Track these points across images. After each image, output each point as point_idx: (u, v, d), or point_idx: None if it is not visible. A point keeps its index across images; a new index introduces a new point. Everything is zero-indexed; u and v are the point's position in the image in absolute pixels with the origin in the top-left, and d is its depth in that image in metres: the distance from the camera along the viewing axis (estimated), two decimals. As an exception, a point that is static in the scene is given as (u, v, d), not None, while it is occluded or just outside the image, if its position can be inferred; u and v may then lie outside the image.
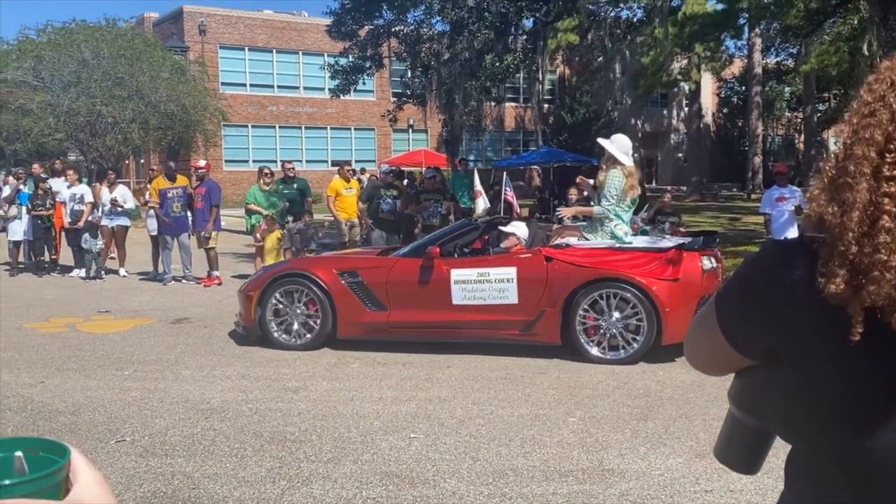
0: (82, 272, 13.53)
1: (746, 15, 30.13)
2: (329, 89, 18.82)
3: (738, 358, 1.28)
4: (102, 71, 26.09)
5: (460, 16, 14.48)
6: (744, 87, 39.32)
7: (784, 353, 1.17)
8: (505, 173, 13.03)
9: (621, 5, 20.51)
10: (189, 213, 12.87)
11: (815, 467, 1.18)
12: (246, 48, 35.40)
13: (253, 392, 6.37)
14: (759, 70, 32.48)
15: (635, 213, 8.66)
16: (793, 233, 10.16)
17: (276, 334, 8.00)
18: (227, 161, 34.09)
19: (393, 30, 16.12)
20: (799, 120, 38.20)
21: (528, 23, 17.66)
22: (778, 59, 37.34)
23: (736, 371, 1.35)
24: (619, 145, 7.82)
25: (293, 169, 13.61)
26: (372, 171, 16.87)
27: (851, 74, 29.43)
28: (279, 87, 36.29)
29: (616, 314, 7.27)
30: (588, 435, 5.23)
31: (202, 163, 13.49)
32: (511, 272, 7.52)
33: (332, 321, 7.91)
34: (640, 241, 7.83)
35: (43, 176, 14.45)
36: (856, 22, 22.99)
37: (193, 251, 12.98)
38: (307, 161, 34.98)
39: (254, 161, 31.78)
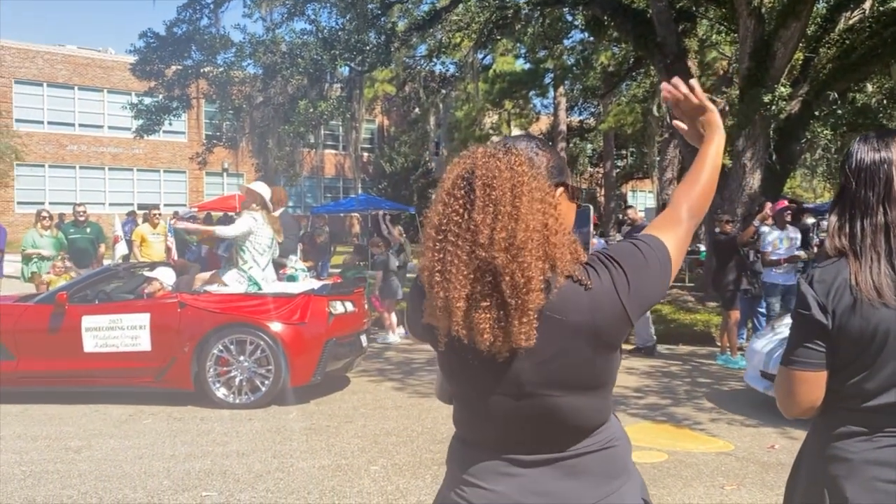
0: None
1: (552, 75, 32.06)
2: (134, 129, 17.86)
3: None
4: None
5: (273, 60, 14.32)
6: (551, 143, 41.40)
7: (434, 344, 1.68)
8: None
9: (434, 60, 21.09)
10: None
11: (458, 420, 1.81)
12: (45, 84, 33.20)
13: (29, 453, 5.81)
14: (563, 127, 34.29)
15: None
16: None
17: None
18: (19, 203, 31.64)
19: (202, 70, 15.65)
20: (600, 175, 40.63)
21: (344, 71, 17.74)
22: (581, 117, 39.67)
23: None
24: (265, 192, 7.91)
25: (85, 212, 12.71)
26: (168, 215, 15.85)
27: (644, 133, 31.96)
28: (81, 125, 34.16)
29: (246, 358, 7.33)
30: (389, 483, 5.16)
31: None
32: (144, 319, 7.45)
33: None
34: (275, 287, 7.89)
35: None
36: (648, 85, 24.88)
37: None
38: (111, 204, 33.04)
39: (51, 203, 29.60)
